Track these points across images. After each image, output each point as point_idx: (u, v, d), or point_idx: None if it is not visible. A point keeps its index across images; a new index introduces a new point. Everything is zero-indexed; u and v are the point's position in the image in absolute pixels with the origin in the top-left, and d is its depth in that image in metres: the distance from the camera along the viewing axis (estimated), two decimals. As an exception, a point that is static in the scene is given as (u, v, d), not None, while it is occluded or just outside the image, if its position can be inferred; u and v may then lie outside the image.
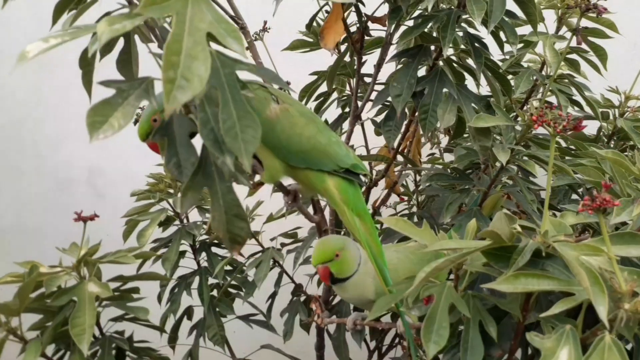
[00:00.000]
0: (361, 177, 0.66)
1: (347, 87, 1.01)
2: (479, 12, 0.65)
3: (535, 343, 0.49)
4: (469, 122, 0.70)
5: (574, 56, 0.89)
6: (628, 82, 1.00)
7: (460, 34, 0.74)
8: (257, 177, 0.67)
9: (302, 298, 1.07)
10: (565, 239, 0.52)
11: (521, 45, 0.91)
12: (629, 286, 0.47)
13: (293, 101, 0.62)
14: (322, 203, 1.03)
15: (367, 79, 0.94)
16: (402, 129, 0.80)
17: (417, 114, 0.77)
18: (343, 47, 0.92)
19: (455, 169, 0.83)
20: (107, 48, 0.57)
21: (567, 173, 0.71)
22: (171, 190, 1.10)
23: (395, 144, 0.85)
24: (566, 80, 0.86)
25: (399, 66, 0.79)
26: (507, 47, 0.79)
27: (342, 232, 1.01)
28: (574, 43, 0.87)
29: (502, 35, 0.77)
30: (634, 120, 0.88)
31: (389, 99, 0.78)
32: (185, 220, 1.10)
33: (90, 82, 0.56)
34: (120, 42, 0.58)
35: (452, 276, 0.60)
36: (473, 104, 0.74)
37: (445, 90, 0.74)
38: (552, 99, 0.97)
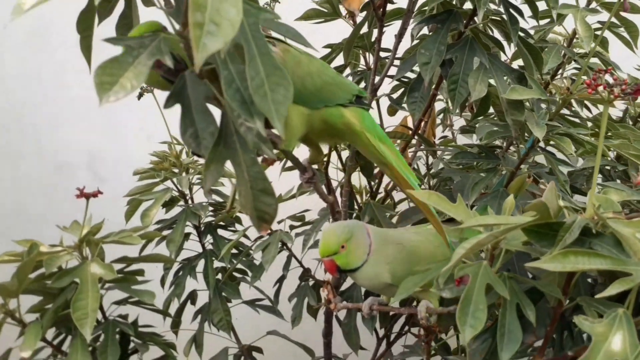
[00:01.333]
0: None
1: (362, 61, 0.96)
2: (518, -27, 0.61)
3: (584, 327, 0.45)
4: (503, 94, 0.65)
5: (604, 33, 0.84)
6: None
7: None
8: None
9: (311, 283, 1.03)
10: (615, 216, 0.48)
11: (547, 20, 0.86)
12: (690, 266, 0.43)
13: (291, 45, 0.58)
14: (334, 183, 0.99)
15: (382, 54, 0.90)
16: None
17: (440, 88, 0.73)
18: (359, 19, 0.88)
19: (481, 147, 0.79)
20: (106, 10, 0.52)
21: (604, 153, 0.67)
22: (175, 170, 1.06)
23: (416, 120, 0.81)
24: (595, 60, 0.82)
25: (430, 33, 0.74)
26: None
27: (354, 215, 0.97)
28: (603, 18, 0.83)
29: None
30: (664, 99, 0.84)
31: (409, 72, 0.73)
32: (190, 201, 1.06)
33: (90, 48, 0.51)
34: (120, 5, 0.54)
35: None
36: (505, 76, 0.70)
37: (476, 59, 0.69)
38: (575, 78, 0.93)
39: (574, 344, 0.60)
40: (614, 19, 0.77)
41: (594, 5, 0.83)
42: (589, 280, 0.58)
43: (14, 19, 0.34)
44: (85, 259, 0.75)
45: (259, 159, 0.57)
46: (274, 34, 0.57)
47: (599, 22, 0.85)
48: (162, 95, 1.08)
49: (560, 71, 0.88)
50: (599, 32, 0.84)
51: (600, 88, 0.45)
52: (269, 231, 0.49)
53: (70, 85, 1.67)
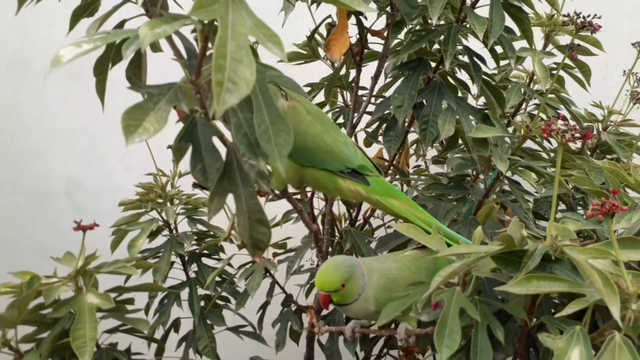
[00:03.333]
0: (368, 178, 0.67)
1: (339, 99, 1.03)
2: (480, 27, 0.68)
3: (547, 343, 0.51)
4: (469, 133, 0.72)
5: (560, 73, 0.93)
6: (600, 98, 1.04)
7: (459, 47, 0.76)
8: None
9: (293, 308, 1.07)
10: (571, 244, 0.54)
11: (506, 62, 0.94)
12: (635, 287, 0.49)
13: (303, 99, 0.63)
14: (316, 212, 1.04)
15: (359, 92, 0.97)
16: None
17: (413, 125, 0.80)
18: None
19: (451, 179, 0.86)
20: (118, 56, 0.57)
21: (561, 183, 0.74)
22: (160, 201, 1.09)
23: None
24: (553, 95, 0.90)
25: (401, 78, 0.82)
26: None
27: (335, 242, 1.02)
28: (558, 59, 0.91)
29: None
30: (617, 134, 0.93)
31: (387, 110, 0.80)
32: (175, 231, 1.09)
33: (104, 90, 0.56)
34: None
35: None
36: (470, 116, 0.77)
37: (444, 102, 0.76)
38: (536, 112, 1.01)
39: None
40: (567, 61, 0.85)
41: (549, 48, 0.91)
42: (555, 300, 0.64)
43: (52, 71, 0.38)
44: (80, 289, 0.78)
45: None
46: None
47: (554, 62, 0.94)
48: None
49: (522, 107, 0.96)
50: (555, 72, 0.93)
51: (554, 133, 0.52)
52: (260, 258, 0.54)
53: (50, 115, 1.69)
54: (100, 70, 0.53)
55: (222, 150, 0.50)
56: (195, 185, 0.61)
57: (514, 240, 0.52)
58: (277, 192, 0.67)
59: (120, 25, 0.53)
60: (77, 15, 0.54)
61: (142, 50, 0.38)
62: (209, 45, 0.43)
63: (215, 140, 0.51)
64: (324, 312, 1.00)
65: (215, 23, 0.39)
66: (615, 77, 1.24)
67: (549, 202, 0.97)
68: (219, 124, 0.55)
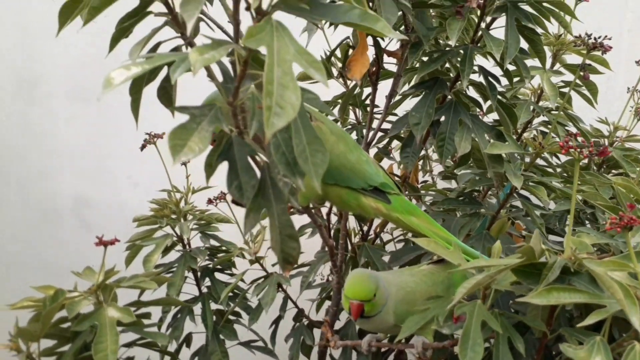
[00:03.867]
0: (389, 196, 0.69)
1: (351, 116, 1.05)
2: (497, 49, 0.70)
3: (569, 353, 0.52)
4: (484, 149, 0.74)
5: (566, 90, 0.95)
6: (601, 113, 1.07)
7: (475, 68, 0.79)
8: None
9: (305, 322, 1.08)
10: (588, 257, 0.56)
11: (517, 79, 0.97)
12: (653, 299, 0.51)
13: (326, 120, 0.65)
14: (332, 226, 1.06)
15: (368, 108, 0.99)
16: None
17: (427, 142, 0.82)
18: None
19: (462, 193, 0.88)
20: (152, 76, 0.59)
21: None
22: (174, 216, 1.11)
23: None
24: (561, 113, 0.92)
25: (410, 96, 0.84)
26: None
27: (348, 257, 1.03)
28: (566, 78, 0.94)
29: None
30: (623, 149, 0.95)
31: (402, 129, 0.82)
32: (187, 246, 1.11)
33: (138, 108, 0.58)
34: (163, 72, 0.61)
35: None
36: (485, 133, 0.79)
37: (460, 119, 0.79)
38: (544, 129, 1.03)
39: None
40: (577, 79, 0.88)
41: (557, 66, 0.94)
42: (570, 313, 0.65)
43: (105, 93, 0.40)
44: (100, 303, 0.79)
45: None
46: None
47: (562, 81, 0.96)
48: (165, 145, 1.14)
49: (530, 124, 0.98)
50: (562, 89, 0.95)
51: (572, 150, 0.54)
52: (289, 272, 0.55)
53: (57, 134, 1.71)
54: (136, 89, 0.55)
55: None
56: (233, 202, 0.63)
57: (535, 252, 0.54)
58: (299, 208, 0.69)
59: (156, 47, 0.55)
60: (116, 39, 0.56)
61: (193, 75, 0.40)
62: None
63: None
64: (337, 326, 1.01)
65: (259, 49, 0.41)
66: (615, 91, 1.27)
67: (557, 217, 0.99)
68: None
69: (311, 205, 0.75)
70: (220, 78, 0.51)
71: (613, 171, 1.02)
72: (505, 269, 0.56)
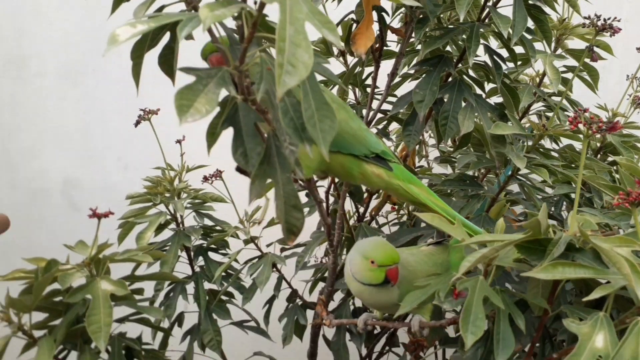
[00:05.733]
0: (389, 164, 0.69)
1: (351, 95, 1.04)
2: (504, 26, 0.70)
3: (572, 328, 0.52)
4: (488, 130, 0.74)
5: (567, 75, 0.95)
6: (598, 100, 1.07)
7: (480, 47, 0.78)
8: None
9: (300, 303, 1.08)
10: (593, 234, 0.56)
11: (519, 62, 0.96)
12: (658, 275, 0.51)
13: (325, 89, 0.65)
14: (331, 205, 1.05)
15: (367, 89, 0.98)
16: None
17: (429, 120, 0.81)
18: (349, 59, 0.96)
19: (465, 175, 0.87)
20: (153, 42, 0.58)
21: (574, 181, 0.76)
22: (167, 195, 1.09)
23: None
24: (559, 99, 0.92)
25: (419, 79, 0.83)
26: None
27: (343, 238, 1.02)
28: (568, 62, 0.94)
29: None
30: (621, 135, 0.95)
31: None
32: (181, 225, 1.09)
33: (139, 73, 0.57)
34: (165, 38, 0.60)
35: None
36: (489, 113, 0.78)
37: (464, 98, 0.78)
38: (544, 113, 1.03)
39: (554, 352, 0.67)
40: (578, 64, 0.88)
41: (560, 51, 0.94)
42: (566, 295, 0.65)
43: (109, 49, 0.39)
44: (93, 276, 0.78)
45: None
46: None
47: (564, 66, 0.96)
48: (159, 125, 1.12)
49: (530, 109, 0.98)
50: (564, 75, 0.95)
51: (581, 125, 0.53)
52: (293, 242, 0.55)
53: (46, 112, 1.68)
54: (137, 54, 0.54)
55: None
56: (237, 170, 0.62)
57: (541, 227, 0.54)
58: (301, 182, 0.68)
59: (160, 9, 0.54)
60: (118, 0, 0.55)
61: (203, 30, 0.39)
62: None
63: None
64: (331, 307, 1.00)
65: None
66: (611, 81, 1.27)
67: (553, 203, 0.99)
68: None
69: (315, 178, 0.74)
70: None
71: (610, 158, 1.02)
72: (509, 244, 0.55)
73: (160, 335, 1.05)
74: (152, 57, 0.59)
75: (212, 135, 0.51)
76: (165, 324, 1.07)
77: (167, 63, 0.60)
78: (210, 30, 0.49)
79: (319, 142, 0.43)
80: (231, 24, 0.55)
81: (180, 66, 0.61)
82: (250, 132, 0.48)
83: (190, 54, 0.68)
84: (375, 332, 1.06)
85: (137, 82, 0.57)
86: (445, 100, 0.79)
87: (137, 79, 0.57)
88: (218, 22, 0.40)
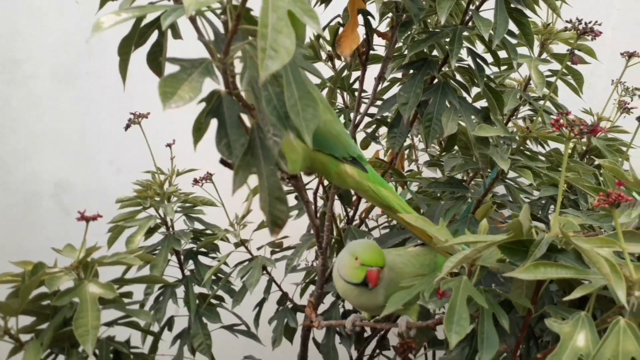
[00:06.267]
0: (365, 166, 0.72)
1: (339, 100, 1.05)
2: (485, 29, 0.71)
3: (554, 328, 0.53)
4: (472, 131, 0.75)
5: (552, 79, 0.96)
6: (585, 105, 1.08)
7: (463, 50, 0.79)
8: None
9: (290, 306, 1.08)
10: (575, 234, 0.57)
11: (504, 67, 0.97)
12: (638, 275, 0.52)
13: (315, 88, 0.66)
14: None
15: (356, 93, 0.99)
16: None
17: (413, 125, 0.82)
18: (337, 63, 0.97)
19: (451, 178, 0.88)
20: (141, 39, 0.59)
21: (557, 183, 0.76)
22: (157, 198, 1.09)
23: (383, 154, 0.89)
24: (547, 102, 0.93)
25: (398, 83, 0.84)
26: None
27: (332, 241, 1.03)
28: (553, 67, 0.95)
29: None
30: (606, 139, 0.96)
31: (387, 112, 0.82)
32: (171, 229, 1.09)
33: (126, 68, 0.58)
34: (153, 37, 0.60)
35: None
36: (472, 115, 0.79)
37: (447, 101, 0.79)
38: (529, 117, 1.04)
39: (539, 351, 0.68)
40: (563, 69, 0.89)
41: (544, 55, 0.95)
42: (550, 296, 0.66)
43: (94, 36, 0.40)
44: (81, 280, 0.78)
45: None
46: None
47: (549, 70, 0.97)
48: (148, 128, 1.12)
49: (516, 112, 0.99)
50: (549, 79, 0.96)
51: (563, 128, 0.54)
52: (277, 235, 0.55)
53: (40, 116, 1.68)
54: (125, 50, 0.55)
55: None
56: (221, 162, 0.63)
57: (522, 228, 0.54)
58: (289, 182, 0.69)
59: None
60: None
61: (187, 16, 0.40)
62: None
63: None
64: (321, 309, 1.01)
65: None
66: (599, 86, 1.28)
67: (540, 205, 1.00)
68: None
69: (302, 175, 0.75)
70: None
71: (595, 161, 1.03)
72: (492, 244, 0.56)
73: (149, 339, 1.05)
74: (143, 59, 0.60)
75: (198, 131, 0.52)
76: (155, 328, 1.07)
77: (155, 61, 0.60)
78: (194, 21, 0.50)
79: (302, 129, 0.44)
80: (217, 22, 0.55)
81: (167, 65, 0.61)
82: (234, 123, 0.48)
83: (179, 53, 0.68)
84: (366, 335, 1.07)
85: (123, 77, 0.58)
86: (430, 102, 0.80)
87: (123, 74, 0.57)
88: (201, 10, 0.40)
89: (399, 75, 0.94)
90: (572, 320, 0.53)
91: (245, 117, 0.50)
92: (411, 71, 0.81)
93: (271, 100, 0.44)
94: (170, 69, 0.58)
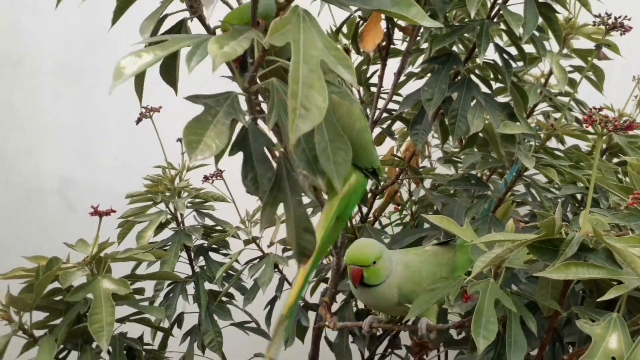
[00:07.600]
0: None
1: (355, 95, 1.03)
2: (516, 23, 0.69)
3: (585, 329, 0.51)
4: (497, 129, 0.73)
5: (572, 75, 0.94)
6: (601, 101, 1.06)
7: (491, 45, 0.77)
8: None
9: (301, 304, 1.06)
10: (606, 233, 0.55)
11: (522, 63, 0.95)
12: (673, 276, 0.50)
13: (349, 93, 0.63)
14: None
15: (373, 89, 0.97)
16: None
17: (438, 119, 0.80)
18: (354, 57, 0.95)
19: (471, 176, 0.86)
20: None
21: (582, 181, 0.75)
22: (168, 194, 1.08)
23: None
24: (567, 98, 0.91)
25: (413, 78, 0.82)
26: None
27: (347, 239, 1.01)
28: (574, 62, 0.93)
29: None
30: (627, 136, 0.94)
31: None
32: (182, 224, 1.08)
33: (142, 86, 0.56)
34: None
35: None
36: (497, 112, 0.78)
37: (473, 97, 0.77)
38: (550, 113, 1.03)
39: (564, 353, 0.67)
40: (583, 64, 0.87)
41: (565, 51, 0.93)
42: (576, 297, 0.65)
43: (116, 85, 0.37)
44: (94, 275, 0.76)
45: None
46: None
47: (570, 65, 0.95)
48: (160, 123, 1.10)
49: (535, 109, 0.97)
50: (569, 74, 0.94)
51: (597, 124, 0.52)
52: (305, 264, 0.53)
53: (43, 113, 1.66)
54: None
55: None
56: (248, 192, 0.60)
57: (555, 226, 0.53)
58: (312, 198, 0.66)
59: (162, 21, 0.52)
60: (121, 9, 0.53)
61: (213, 71, 0.37)
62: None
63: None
64: (333, 308, 0.99)
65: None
66: (614, 80, 1.26)
67: (562, 202, 0.98)
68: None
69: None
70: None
71: (615, 159, 1.02)
72: (523, 244, 0.54)
73: (159, 335, 1.04)
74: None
75: (217, 157, 0.49)
76: (165, 324, 1.06)
77: (169, 73, 0.58)
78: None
79: (332, 176, 0.42)
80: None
81: (182, 79, 0.58)
82: (260, 157, 0.46)
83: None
84: (378, 334, 1.05)
85: (139, 95, 0.56)
86: (454, 98, 0.78)
87: (139, 92, 0.55)
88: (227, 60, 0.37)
89: (416, 69, 0.92)
90: (604, 322, 0.51)
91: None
92: (436, 66, 0.78)
93: (300, 143, 0.42)
94: (185, 81, 0.55)
